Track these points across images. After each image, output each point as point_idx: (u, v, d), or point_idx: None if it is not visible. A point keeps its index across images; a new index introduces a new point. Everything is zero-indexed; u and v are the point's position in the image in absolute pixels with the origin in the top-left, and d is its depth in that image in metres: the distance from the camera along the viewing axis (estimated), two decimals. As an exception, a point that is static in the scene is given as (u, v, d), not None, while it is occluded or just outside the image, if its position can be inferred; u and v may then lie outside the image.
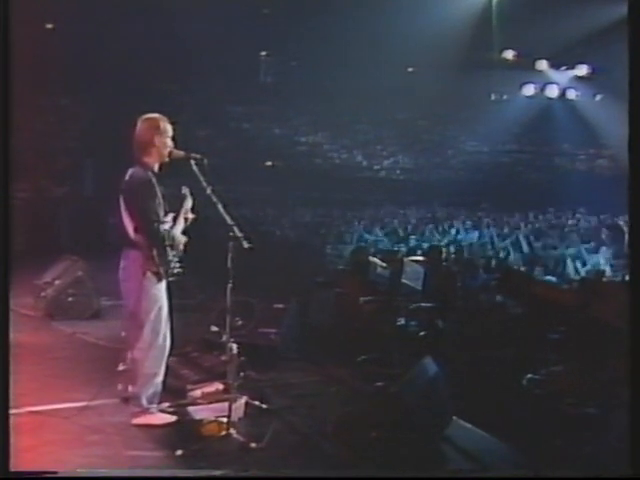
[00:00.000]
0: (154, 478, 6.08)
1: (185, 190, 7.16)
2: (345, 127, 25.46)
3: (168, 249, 6.84)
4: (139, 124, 6.97)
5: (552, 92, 24.51)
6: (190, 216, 7.20)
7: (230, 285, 6.78)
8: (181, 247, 7.02)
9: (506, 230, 18.22)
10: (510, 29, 21.37)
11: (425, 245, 15.78)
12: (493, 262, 13.31)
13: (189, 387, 7.67)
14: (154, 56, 19.49)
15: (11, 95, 6.08)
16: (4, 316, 5.99)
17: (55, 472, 5.83)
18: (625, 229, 15.58)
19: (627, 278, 10.71)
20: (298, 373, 8.77)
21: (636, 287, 6.08)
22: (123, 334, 7.23)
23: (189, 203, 7.19)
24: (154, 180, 6.87)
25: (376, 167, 25.48)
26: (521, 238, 16.19)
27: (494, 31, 21.67)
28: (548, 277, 12.16)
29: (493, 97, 25.49)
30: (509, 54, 23.53)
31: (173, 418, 7.05)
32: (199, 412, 7.18)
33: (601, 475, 5.93)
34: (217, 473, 6.00)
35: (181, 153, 7.02)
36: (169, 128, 7.00)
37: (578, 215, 21.07)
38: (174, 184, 7.14)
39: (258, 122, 24.68)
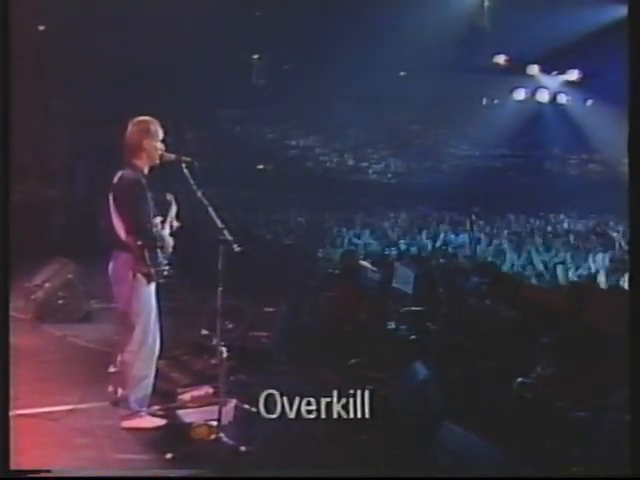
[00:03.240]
0: (146, 478, 6.08)
1: (170, 197, 7.17)
2: (336, 131, 25.43)
3: (158, 251, 6.84)
4: (129, 127, 6.98)
5: (543, 97, 24.50)
6: (175, 224, 7.20)
7: (221, 288, 6.78)
8: (169, 250, 7.02)
9: (497, 234, 18.23)
10: (502, 34, 21.37)
11: (416, 249, 15.80)
12: (484, 266, 13.31)
13: (179, 390, 7.66)
14: (146, 59, 19.43)
15: (11, 99, 6.08)
16: (4, 322, 5.99)
17: (48, 471, 5.84)
18: (615, 233, 15.63)
19: (620, 282, 10.79)
20: (288, 376, 8.75)
21: (635, 290, 6.09)
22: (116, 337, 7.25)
23: (174, 210, 7.19)
24: (144, 182, 6.87)
25: (367, 171, 25.47)
26: (510, 243, 16.22)
27: (486, 36, 21.67)
28: (539, 281, 12.18)
29: (484, 101, 25.45)
30: (500, 59, 23.51)
31: (163, 421, 7.05)
32: (189, 415, 7.17)
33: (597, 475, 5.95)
34: (206, 477, 6.00)
35: (172, 156, 7.01)
36: (160, 131, 7.00)
37: (569, 219, 21.10)
38: (163, 187, 7.13)
39: (249, 125, 24.63)
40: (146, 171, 6.95)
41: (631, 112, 6.11)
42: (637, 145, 6.06)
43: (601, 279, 11.61)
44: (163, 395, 7.46)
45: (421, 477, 6.13)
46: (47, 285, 11.23)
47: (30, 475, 5.83)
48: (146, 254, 6.77)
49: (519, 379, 7.82)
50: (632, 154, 6.11)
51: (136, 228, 6.80)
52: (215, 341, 7.02)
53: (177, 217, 7.26)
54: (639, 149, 6.07)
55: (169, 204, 7.20)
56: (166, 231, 7.08)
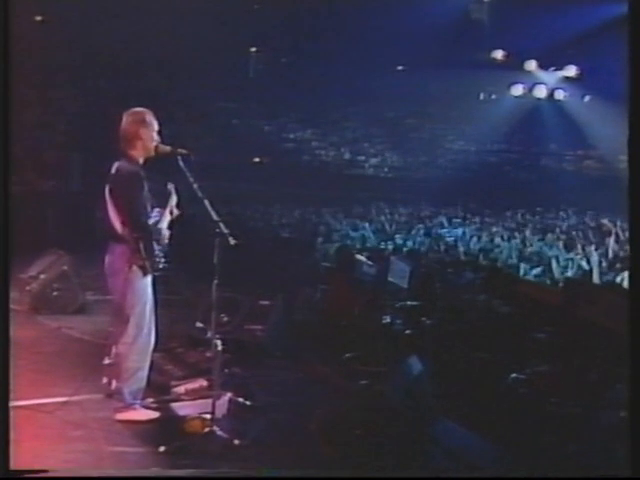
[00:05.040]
0: (148, 478, 6.08)
1: (170, 186, 7.14)
2: (333, 124, 25.48)
3: (154, 243, 6.83)
4: (125, 117, 6.95)
5: (540, 92, 24.54)
6: (176, 212, 7.18)
7: (216, 281, 6.76)
8: (166, 242, 7.00)
9: (493, 229, 18.24)
10: (499, 29, 21.42)
11: (412, 243, 15.81)
12: (479, 261, 13.33)
13: (173, 383, 7.65)
14: (142, 51, 19.44)
15: (10, 91, 6.06)
16: (4, 315, 5.97)
17: (45, 471, 5.83)
18: (612, 229, 15.65)
19: (616, 278, 10.81)
20: (283, 370, 8.76)
21: (635, 287, 6.08)
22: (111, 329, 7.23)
23: (174, 200, 7.17)
24: (141, 173, 6.85)
25: (364, 165, 25.50)
26: (506, 238, 16.23)
27: (484, 31, 21.69)
28: (534, 276, 12.18)
29: (482, 97, 25.50)
30: (498, 54, 23.56)
31: (157, 414, 7.03)
32: (183, 408, 7.17)
33: (595, 475, 5.95)
34: (200, 470, 5.99)
35: (167, 148, 6.99)
36: (155, 122, 6.97)
37: (565, 215, 21.13)
38: (160, 179, 7.11)
39: (246, 118, 24.63)
40: (141, 162, 6.93)
41: (631, 108, 6.09)
42: (637, 141, 6.04)
43: (596, 275, 11.60)
44: (157, 387, 7.45)
45: (418, 477, 6.12)
46: (42, 277, 11.21)
47: (31, 475, 5.81)
48: (142, 246, 6.75)
49: (513, 374, 7.81)
50: (632, 150, 6.09)
51: (132, 220, 6.78)
52: (210, 334, 7.01)
53: (177, 207, 7.25)
54: (639, 145, 6.05)
55: (169, 194, 7.18)
56: (164, 222, 7.06)
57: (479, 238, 16.63)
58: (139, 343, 6.89)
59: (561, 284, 11.07)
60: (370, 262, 11.41)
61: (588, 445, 6.35)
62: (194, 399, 7.31)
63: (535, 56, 23.76)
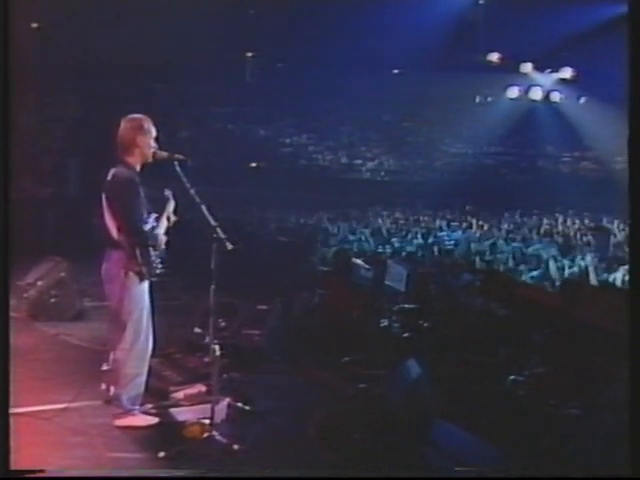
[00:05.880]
0: (148, 478, 6.08)
1: (168, 193, 7.15)
2: (330, 128, 25.46)
3: (150, 249, 6.83)
4: (122, 124, 6.96)
5: (536, 95, 24.54)
6: (173, 218, 7.19)
7: (213, 286, 6.76)
8: (163, 247, 7.00)
9: (490, 232, 18.25)
10: (495, 32, 21.42)
11: (409, 247, 15.81)
12: (477, 263, 13.33)
13: (172, 389, 7.65)
14: (139, 56, 19.41)
15: (9, 98, 6.06)
16: (4, 322, 5.98)
17: (43, 470, 5.83)
18: (609, 230, 15.67)
19: (613, 279, 10.82)
20: (281, 375, 8.76)
21: (635, 288, 6.09)
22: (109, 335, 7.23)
23: (172, 206, 7.18)
24: (137, 179, 6.86)
25: (361, 169, 25.50)
26: (503, 240, 16.23)
27: (479, 34, 21.68)
28: (531, 278, 12.18)
29: (478, 99, 25.48)
30: (494, 57, 23.53)
31: (155, 420, 7.03)
32: (182, 414, 7.16)
33: (597, 475, 5.95)
34: (199, 475, 5.99)
35: (164, 154, 6.99)
36: (152, 128, 6.98)
37: (562, 216, 21.12)
38: (157, 185, 7.11)
39: (243, 123, 24.63)
40: (138, 169, 6.94)
41: (630, 109, 6.09)
42: (636, 142, 6.04)
43: (594, 276, 11.61)
44: (156, 393, 7.45)
45: (416, 477, 6.12)
46: (40, 283, 11.21)
47: (30, 475, 5.81)
48: (138, 252, 6.76)
49: (512, 377, 7.82)
50: (631, 151, 6.10)
51: (128, 226, 6.79)
52: (208, 339, 7.03)
53: (175, 213, 7.25)
54: (638, 146, 6.05)
55: (167, 200, 7.19)
56: (161, 228, 7.06)
57: (476, 241, 16.63)
58: (137, 349, 6.89)
59: (558, 286, 11.07)
60: (367, 266, 11.41)
61: (587, 446, 6.35)
62: (193, 404, 7.30)
63: (531, 58, 23.74)
